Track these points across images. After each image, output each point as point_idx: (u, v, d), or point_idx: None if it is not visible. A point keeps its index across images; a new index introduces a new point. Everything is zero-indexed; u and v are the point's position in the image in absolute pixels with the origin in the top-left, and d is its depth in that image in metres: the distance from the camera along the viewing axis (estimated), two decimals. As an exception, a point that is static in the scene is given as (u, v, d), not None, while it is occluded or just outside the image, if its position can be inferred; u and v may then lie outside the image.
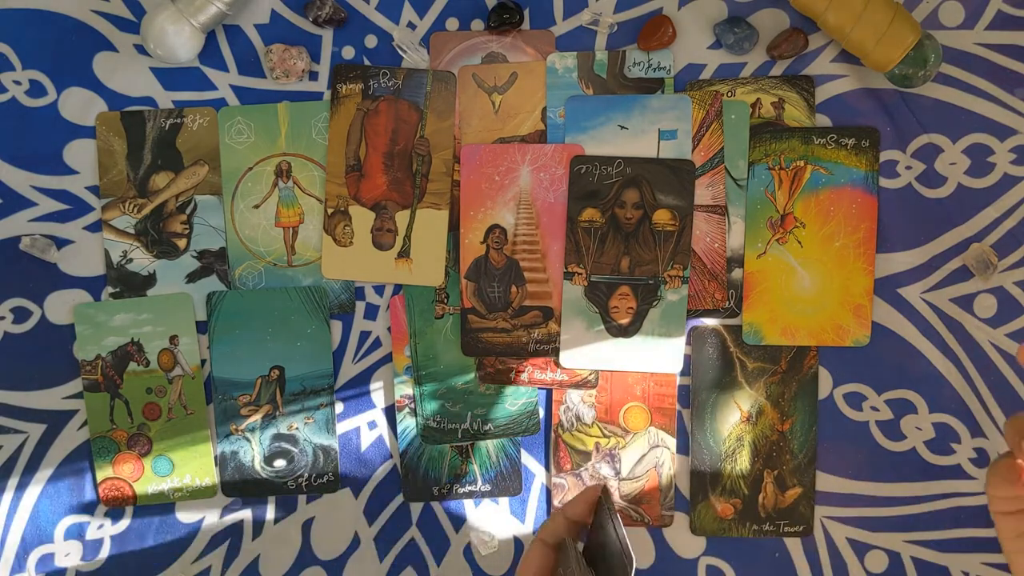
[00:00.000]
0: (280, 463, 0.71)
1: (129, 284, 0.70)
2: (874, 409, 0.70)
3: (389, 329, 0.70)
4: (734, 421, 0.70)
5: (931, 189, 0.69)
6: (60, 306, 0.70)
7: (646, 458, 0.70)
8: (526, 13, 0.69)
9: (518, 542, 0.72)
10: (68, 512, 0.71)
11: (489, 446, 0.71)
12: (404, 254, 0.69)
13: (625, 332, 0.68)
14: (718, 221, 0.68)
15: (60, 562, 0.71)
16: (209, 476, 0.71)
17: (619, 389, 0.70)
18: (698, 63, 0.69)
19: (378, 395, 0.71)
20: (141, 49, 0.69)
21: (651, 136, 0.68)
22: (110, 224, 0.70)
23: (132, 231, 0.70)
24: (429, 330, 0.70)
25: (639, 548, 0.71)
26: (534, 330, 0.69)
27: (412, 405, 0.70)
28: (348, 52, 0.70)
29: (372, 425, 0.71)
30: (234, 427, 0.71)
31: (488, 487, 0.71)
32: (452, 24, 0.69)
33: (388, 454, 0.71)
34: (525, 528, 0.71)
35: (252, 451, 0.71)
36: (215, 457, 0.71)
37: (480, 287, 0.69)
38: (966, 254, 0.68)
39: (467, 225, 0.69)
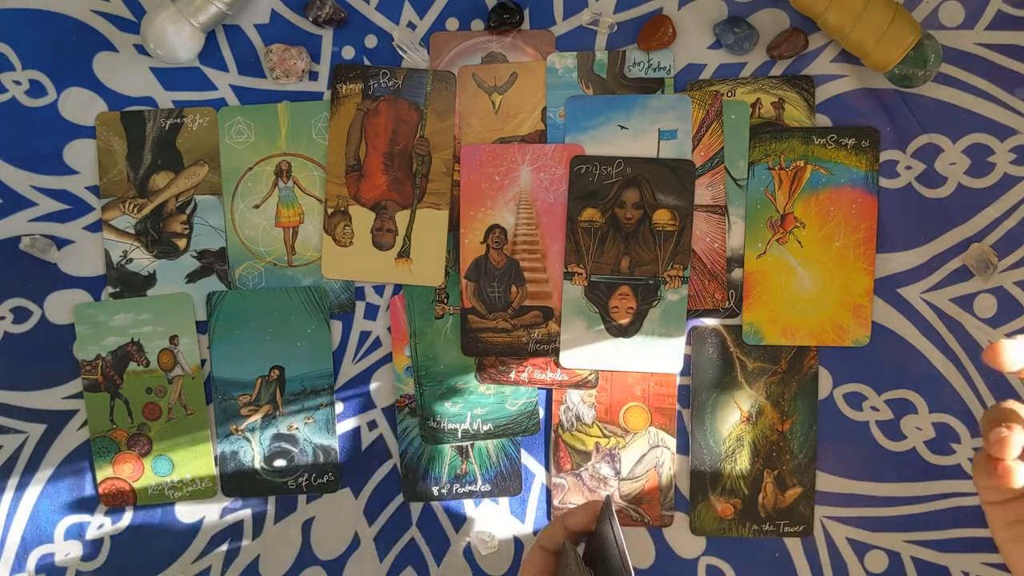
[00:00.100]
0: (280, 463, 0.71)
1: (129, 284, 0.70)
2: (874, 409, 0.70)
3: (389, 329, 0.70)
4: (734, 421, 0.70)
5: (931, 189, 0.69)
6: (60, 306, 0.70)
7: (646, 458, 0.70)
8: (526, 13, 0.69)
9: (518, 542, 0.72)
10: (68, 512, 0.71)
11: (489, 446, 0.71)
12: (404, 254, 0.69)
13: (625, 332, 0.68)
14: (718, 221, 0.68)
15: (60, 562, 0.71)
16: (209, 476, 0.71)
17: (619, 389, 0.70)
18: (698, 63, 0.69)
19: (378, 395, 0.71)
20: (141, 49, 0.69)
21: (651, 136, 0.68)
22: (110, 224, 0.70)
23: (132, 231, 0.70)
24: (429, 330, 0.70)
25: (639, 548, 0.71)
26: (534, 330, 0.69)
27: (412, 405, 0.70)
28: (348, 52, 0.70)
29: (372, 425, 0.71)
30: (234, 427, 0.71)
31: (488, 487, 0.71)
32: (452, 24, 0.69)
33: (388, 454, 0.71)
34: (525, 528, 0.71)
35: (252, 451, 0.71)
36: (215, 457, 0.71)
37: (480, 287, 0.69)
38: (966, 254, 0.68)
39: (467, 225, 0.69)
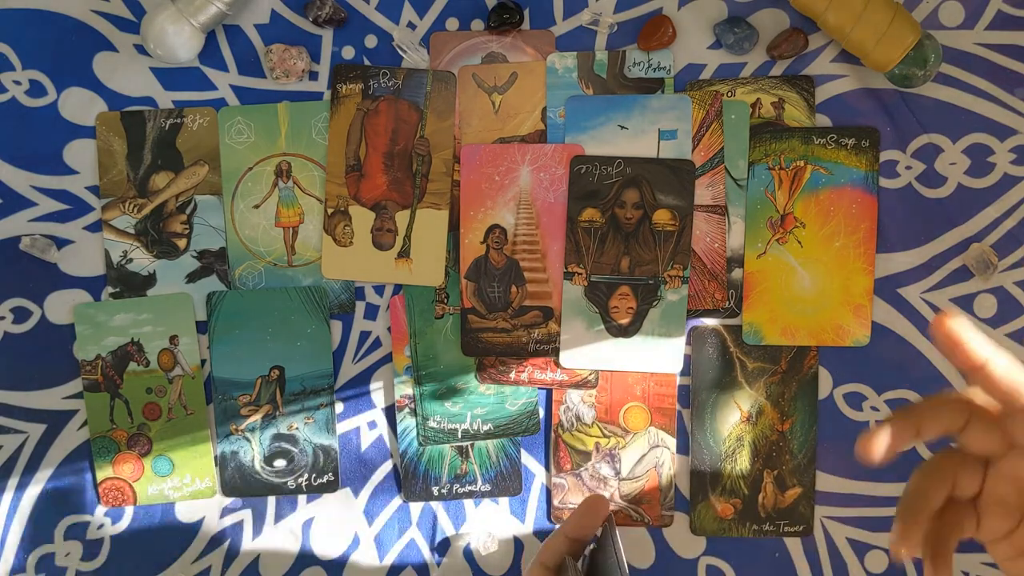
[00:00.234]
0: (280, 463, 0.71)
1: (129, 284, 0.70)
2: (874, 409, 0.70)
3: (389, 329, 0.70)
4: (734, 421, 0.70)
5: (931, 189, 0.69)
6: (60, 306, 0.70)
7: (646, 458, 0.70)
8: (526, 13, 0.69)
9: (518, 542, 0.72)
10: (68, 512, 0.71)
11: (489, 446, 0.71)
12: (404, 254, 0.69)
13: (625, 332, 0.68)
14: (718, 221, 0.68)
15: (60, 562, 0.71)
16: (209, 476, 0.71)
17: (619, 389, 0.70)
18: (698, 63, 0.69)
19: (378, 395, 0.71)
20: (141, 49, 0.69)
21: (651, 136, 0.68)
22: (110, 224, 0.70)
23: (132, 231, 0.70)
24: (429, 330, 0.70)
25: (639, 548, 0.71)
26: (534, 330, 0.69)
27: (412, 405, 0.70)
28: (348, 52, 0.70)
29: (372, 425, 0.71)
30: (234, 427, 0.71)
31: (488, 487, 0.71)
32: (452, 24, 0.69)
33: (388, 454, 0.71)
34: (525, 528, 0.71)
35: (252, 451, 0.71)
36: (215, 457, 0.71)
37: (480, 287, 0.69)
38: (966, 254, 0.68)
39: (467, 225, 0.69)
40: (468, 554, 0.72)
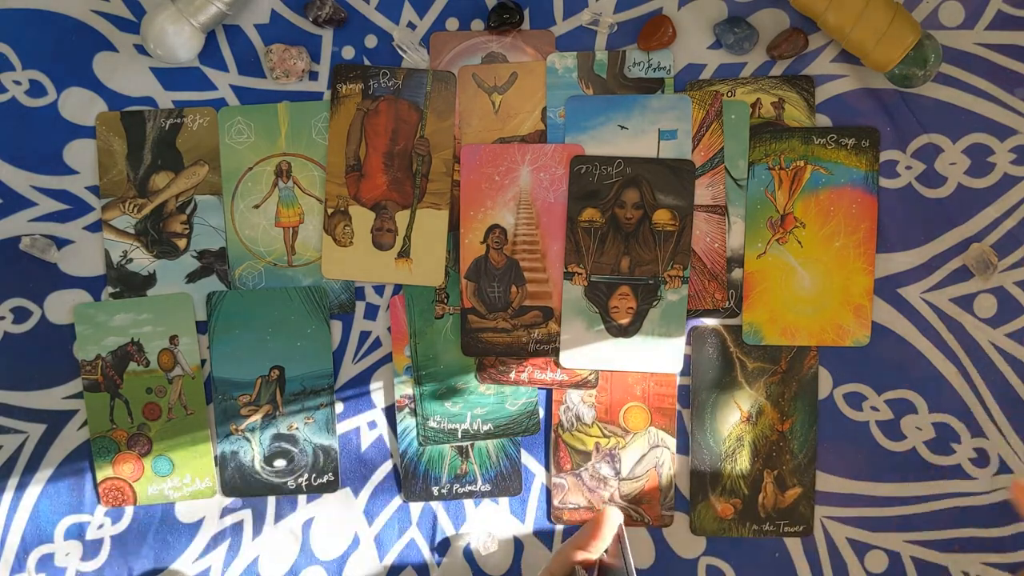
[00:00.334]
0: (280, 463, 0.71)
1: (129, 284, 0.70)
2: (874, 409, 0.70)
3: (389, 329, 0.70)
4: (734, 421, 0.70)
5: (931, 189, 0.69)
6: (60, 306, 0.70)
7: (646, 458, 0.70)
8: (526, 13, 0.69)
9: (518, 542, 0.72)
10: (68, 512, 0.71)
11: (489, 446, 0.71)
12: (404, 254, 0.69)
13: (625, 332, 0.68)
14: (718, 221, 0.68)
15: (60, 562, 0.71)
16: (209, 476, 0.71)
17: (619, 389, 0.70)
18: (698, 63, 0.69)
19: (378, 395, 0.71)
20: (141, 49, 0.69)
21: (651, 136, 0.68)
22: (110, 224, 0.70)
23: (132, 231, 0.70)
24: (429, 330, 0.70)
25: (639, 548, 0.71)
26: (534, 330, 0.69)
27: (412, 405, 0.70)
28: (348, 52, 0.70)
29: (372, 425, 0.71)
30: (234, 427, 0.71)
31: (488, 487, 0.71)
32: (452, 24, 0.69)
33: (388, 454, 0.71)
34: (525, 528, 0.71)
35: (252, 451, 0.71)
36: (215, 457, 0.71)
37: (480, 287, 0.69)
38: (966, 254, 0.68)
39: (467, 225, 0.69)
40: (468, 554, 0.72)
